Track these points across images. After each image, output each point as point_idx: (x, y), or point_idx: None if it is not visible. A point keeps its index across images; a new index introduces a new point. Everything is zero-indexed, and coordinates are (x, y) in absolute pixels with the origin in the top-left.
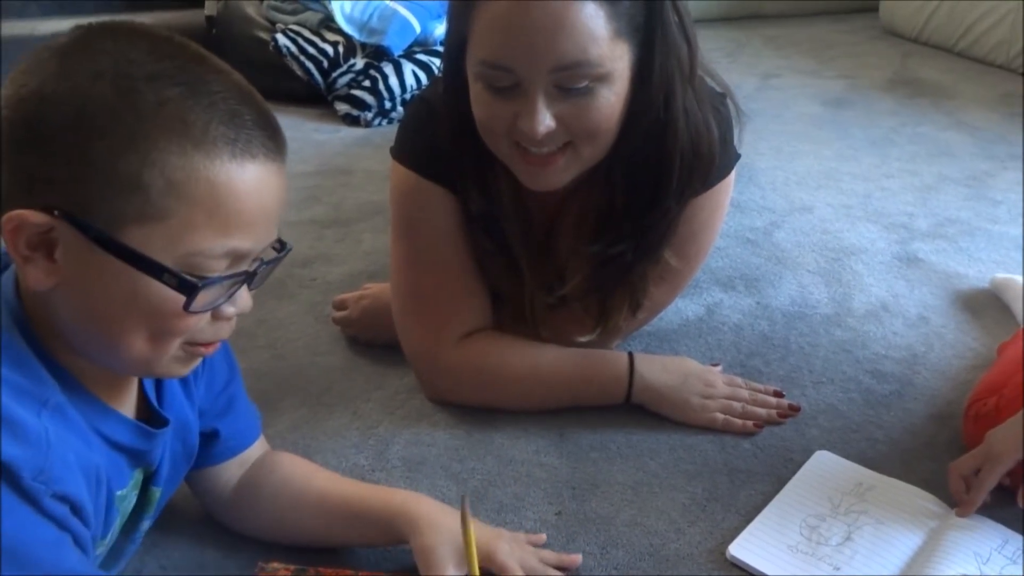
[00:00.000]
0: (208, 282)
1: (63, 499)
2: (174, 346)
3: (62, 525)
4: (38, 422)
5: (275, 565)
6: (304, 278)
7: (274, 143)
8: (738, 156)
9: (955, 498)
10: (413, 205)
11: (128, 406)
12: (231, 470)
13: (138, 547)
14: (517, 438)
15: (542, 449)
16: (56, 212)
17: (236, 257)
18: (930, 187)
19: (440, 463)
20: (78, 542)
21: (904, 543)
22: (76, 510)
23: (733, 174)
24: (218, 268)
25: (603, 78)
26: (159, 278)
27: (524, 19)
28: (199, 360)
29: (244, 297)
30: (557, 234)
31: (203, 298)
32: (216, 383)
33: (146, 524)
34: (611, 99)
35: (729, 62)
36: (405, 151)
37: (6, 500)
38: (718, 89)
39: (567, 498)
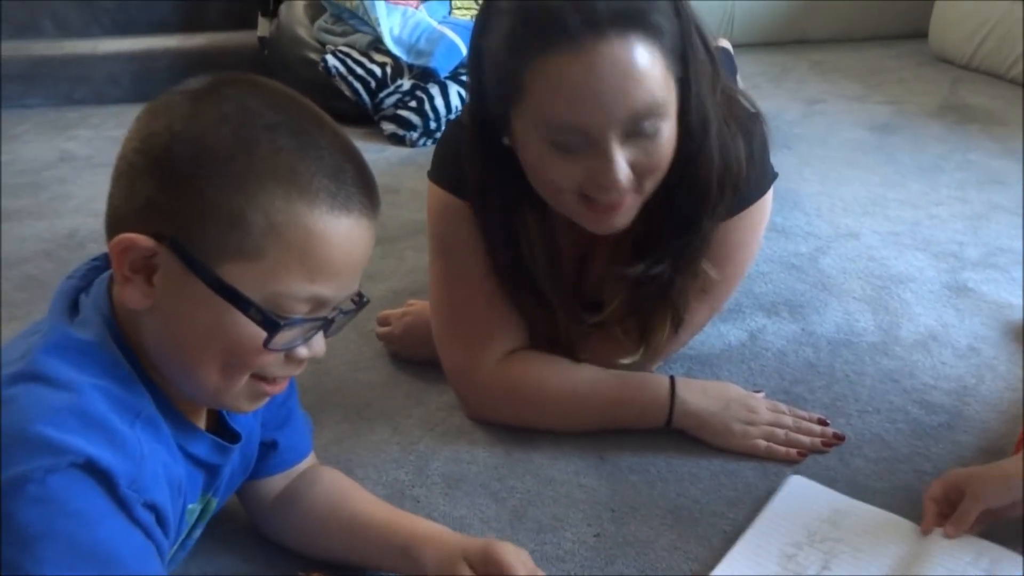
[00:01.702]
0: (290, 323)
1: (151, 508)
2: (243, 380)
3: (148, 534)
4: (131, 432)
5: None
6: None
7: (370, 201)
8: (775, 175)
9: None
10: (449, 225)
11: (202, 421)
12: (278, 480)
13: (187, 553)
14: (556, 459)
15: (581, 470)
16: (163, 239)
17: (318, 303)
18: (980, 215)
19: (480, 481)
20: (158, 551)
21: (880, 570)
22: (160, 520)
23: (770, 193)
24: (300, 311)
25: (665, 115)
26: (246, 312)
27: (591, 77)
28: (265, 399)
29: (319, 342)
30: (590, 266)
31: (282, 337)
32: (278, 394)
33: (198, 532)
34: (668, 133)
35: (774, 87)
36: (440, 172)
37: (105, 507)
38: (751, 109)
39: (606, 520)
